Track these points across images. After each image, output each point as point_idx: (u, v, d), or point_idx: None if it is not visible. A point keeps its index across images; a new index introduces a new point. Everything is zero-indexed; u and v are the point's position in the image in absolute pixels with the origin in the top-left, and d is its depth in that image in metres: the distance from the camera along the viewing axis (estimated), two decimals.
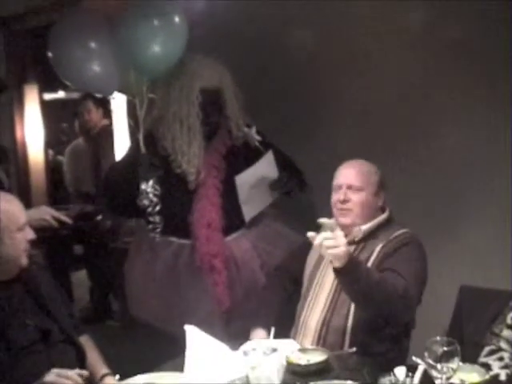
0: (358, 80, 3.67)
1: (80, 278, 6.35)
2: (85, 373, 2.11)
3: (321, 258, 2.77)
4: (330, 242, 2.19)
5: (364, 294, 2.35)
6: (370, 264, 2.57)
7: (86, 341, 2.60)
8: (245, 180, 3.27)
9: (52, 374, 1.99)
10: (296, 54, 3.85)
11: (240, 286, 3.29)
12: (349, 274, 2.28)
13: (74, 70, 3.15)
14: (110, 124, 5.98)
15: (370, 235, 2.67)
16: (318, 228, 2.24)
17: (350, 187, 2.68)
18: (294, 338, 2.68)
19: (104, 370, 2.53)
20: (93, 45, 3.09)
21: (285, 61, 3.86)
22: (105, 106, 5.86)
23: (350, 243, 2.66)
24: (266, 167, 3.33)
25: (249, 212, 3.33)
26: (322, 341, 2.59)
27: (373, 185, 2.69)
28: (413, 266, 2.51)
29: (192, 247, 3.26)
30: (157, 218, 3.23)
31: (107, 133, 5.91)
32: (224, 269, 3.25)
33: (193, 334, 2.32)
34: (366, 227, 2.67)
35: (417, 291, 2.49)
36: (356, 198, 2.67)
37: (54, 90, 8.31)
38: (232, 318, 3.22)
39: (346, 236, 2.63)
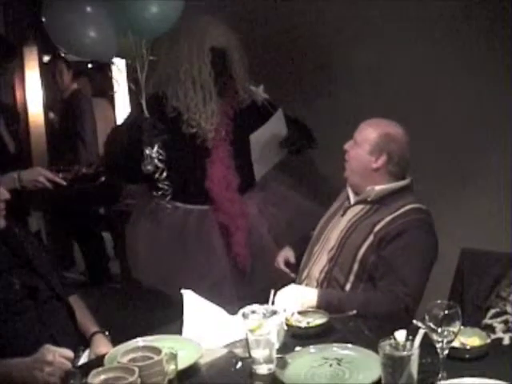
0: (365, 45, 3.64)
1: None
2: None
3: (338, 209, 2.80)
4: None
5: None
6: (375, 230, 2.55)
7: (75, 300, 2.60)
8: (258, 138, 3.26)
9: (50, 353, 1.98)
10: (303, 20, 3.81)
11: (250, 250, 3.31)
12: (326, 309, 2.37)
13: (69, 36, 3.05)
14: (81, 89, 5.94)
15: (383, 200, 2.64)
16: None
17: (354, 140, 2.70)
18: None
19: (94, 328, 2.53)
20: (88, 8, 2.98)
21: (291, 25, 3.82)
22: (76, 68, 5.79)
23: (363, 202, 2.68)
24: (276, 125, 3.32)
25: (259, 170, 3.34)
26: None
27: (369, 144, 2.63)
28: (413, 263, 2.49)
29: (200, 212, 3.26)
30: (165, 185, 3.19)
31: (79, 97, 5.84)
32: (247, 227, 3.28)
33: (190, 299, 2.32)
34: (379, 188, 2.63)
35: (418, 286, 2.50)
36: (352, 151, 2.69)
37: (53, 51, 8.24)
38: (241, 282, 3.23)
39: (358, 195, 2.68)
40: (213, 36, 3.18)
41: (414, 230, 2.53)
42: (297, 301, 2.43)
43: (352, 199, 2.73)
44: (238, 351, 2.12)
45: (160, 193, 3.20)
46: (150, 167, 3.11)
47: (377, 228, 2.56)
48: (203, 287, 2.90)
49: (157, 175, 3.13)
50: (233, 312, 2.32)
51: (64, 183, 3.01)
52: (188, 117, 3.18)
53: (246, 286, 3.20)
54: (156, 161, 3.10)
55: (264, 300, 2.31)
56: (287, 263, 2.93)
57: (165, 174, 3.14)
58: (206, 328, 2.21)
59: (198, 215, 3.27)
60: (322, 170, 3.80)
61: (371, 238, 2.56)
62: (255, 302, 2.25)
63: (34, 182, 2.88)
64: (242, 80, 3.30)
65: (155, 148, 3.10)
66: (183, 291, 2.34)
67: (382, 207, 2.63)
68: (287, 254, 2.97)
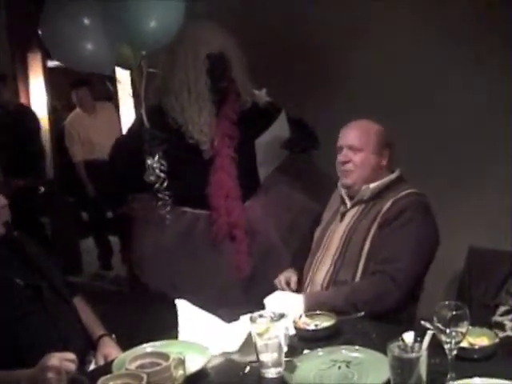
0: (359, 43, 3.65)
1: (89, 245, 6.39)
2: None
3: (334, 215, 2.80)
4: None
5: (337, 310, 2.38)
6: (376, 222, 2.57)
7: (78, 301, 2.60)
8: (263, 143, 3.26)
9: (56, 358, 1.98)
10: (298, 19, 3.81)
11: (257, 252, 3.30)
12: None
13: (66, 49, 3.01)
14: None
15: (379, 194, 2.66)
16: None
17: (350, 148, 2.68)
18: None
19: (101, 330, 2.53)
20: (85, 21, 2.93)
21: (286, 25, 3.83)
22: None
23: (359, 203, 2.68)
24: (280, 127, 3.32)
25: (263, 173, 3.35)
26: None
27: (373, 144, 2.65)
28: (408, 241, 2.49)
29: (207, 217, 3.25)
30: (166, 195, 3.17)
31: (23, 111, 5.86)
32: (245, 237, 3.26)
33: (184, 308, 2.31)
34: (373, 186, 2.65)
35: (411, 264, 2.48)
36: (356, 158, 2.67)
37: None
38: (250, 285, 3.22)
39: (353, 198, 2.68)
40: (208, 42, 3.16)
41: (410, 211, 2.54)
42: (283, 308, 2.33)
43: (348, 203, 2.73)
44: (235, 357, 2.12)
45: (160, 203, 3.19)
46: (152, 177, 3.10)
47: (379, 216, 2.58)
48: (212, 291, 2.90)
49: (157, 185, 3.12)
50: (241, 315, 2.31)
51: None
52: (185, 128, 3.19)
53: (255, 288, 3.18)
54: (157, 171, 3.09)
55: None
56: (287, 283, 2.84)
57: (165, 184, 3.13)
58: (200, 337, 2.18)
59: (206, 219, 3.27)
60: (323, 169, 3.81)
61: (375, 227, 2.57)
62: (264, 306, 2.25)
63: None
64: (243, 82, 3.29)
65: (156, 158, 3.09)
66: (177, 301, 2.32)
67: (378, 201, 2.64)
68: (290, 276, 2.86)
